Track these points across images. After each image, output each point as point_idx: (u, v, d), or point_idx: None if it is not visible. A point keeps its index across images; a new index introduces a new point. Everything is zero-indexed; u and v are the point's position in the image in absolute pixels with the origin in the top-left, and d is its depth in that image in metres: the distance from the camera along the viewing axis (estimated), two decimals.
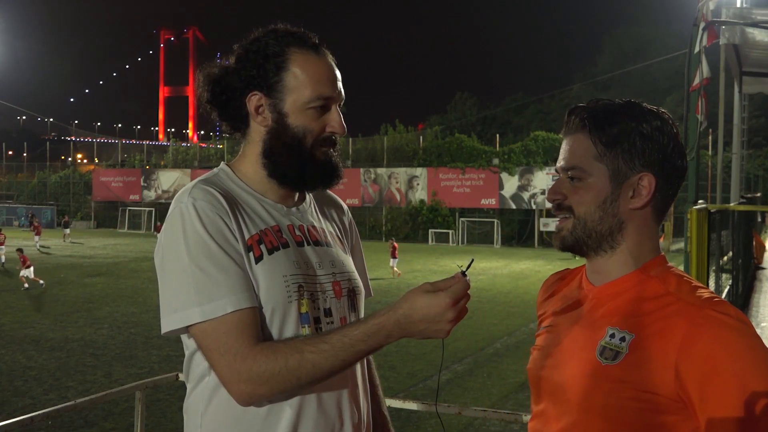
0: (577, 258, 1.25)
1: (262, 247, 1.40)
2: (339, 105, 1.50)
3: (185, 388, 1.48)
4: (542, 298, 1.44)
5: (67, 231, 32.54)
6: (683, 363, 1.09)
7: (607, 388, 1.14)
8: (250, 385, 1.30)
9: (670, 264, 1.26)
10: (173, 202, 1.43)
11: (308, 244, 1.49)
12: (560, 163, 1.27)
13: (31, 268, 16.53)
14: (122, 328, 11.81)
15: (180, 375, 3.20)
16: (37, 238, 29.77)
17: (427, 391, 8.23)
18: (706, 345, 1.08)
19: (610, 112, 1.22)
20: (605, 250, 1.24)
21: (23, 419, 2.61)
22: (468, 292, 1.29)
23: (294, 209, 1.53)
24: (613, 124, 1.21)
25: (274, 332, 1.37)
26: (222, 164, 1.54)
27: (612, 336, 1.17)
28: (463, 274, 1.30)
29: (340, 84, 1.49)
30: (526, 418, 2.75)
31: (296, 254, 1.44)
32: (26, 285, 16.29)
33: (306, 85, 1.43)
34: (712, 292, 1.17)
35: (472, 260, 1.42)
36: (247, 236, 1.40)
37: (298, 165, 1.46)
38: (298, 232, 1.49)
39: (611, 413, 1.14)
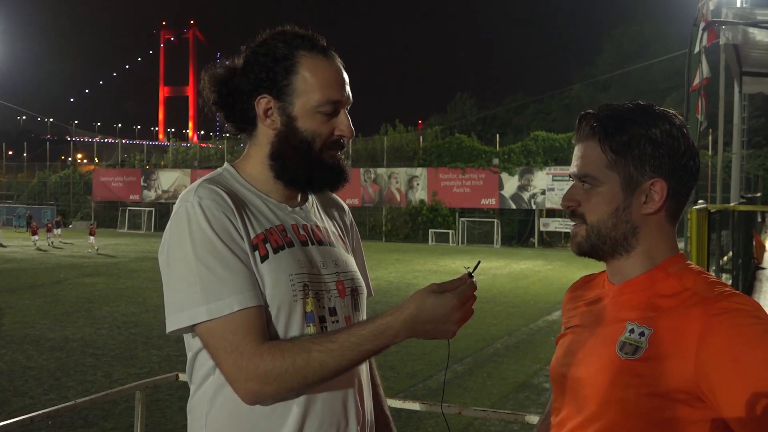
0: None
1: (268, 246, 1.41)
2: (347, 108, 1.50)
3: (185, 388, 1.48)
4: (567, 299, 1.45)
5: (58, 231, 32.61)
6: (703, 354, 1.10)
7: (625, 383, 1.15)
8: (257, 383, 1.30)
9: (689, 262, 1.27)
10: (178, 201, 1.43)
11: (312, 243, 1.50)
12: (573, 169, 1.29)
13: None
14: (122, 328, 11.80)
15: (180, 375, 3.20)
16: (49, 234, 30.89)
17: (427, 391, 8.23)
18: (725, 335, 1.09)
19: (620, 119, 1.23)
20: (621, 253, 1.26)
21: (23, 419, 2.61)
22: (475, 293, 1.30)
23: (298, 209, 1.54)
24: (623, 132, 1.22)
25: (280, 331, 1.38)
26: (226, 164, 1.55)
27: (631, 331, 1.19)
28: (470, 275, 1.31)
29: (348, 87, 1.50)
30: (527, 418, 2.76)
31: (301, 253, 1.45)
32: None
33: (315, 88, 1.44)
34: (729, 287, 1.18)
35: (479, 262, 1.43)
36: (252, 235, 1.41)
37: (307, 168, 1.47)
38: (302, 232, 1.50)
39: (629, 407, 1.15)
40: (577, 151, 1.28)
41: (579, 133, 1.28)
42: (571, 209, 1.28)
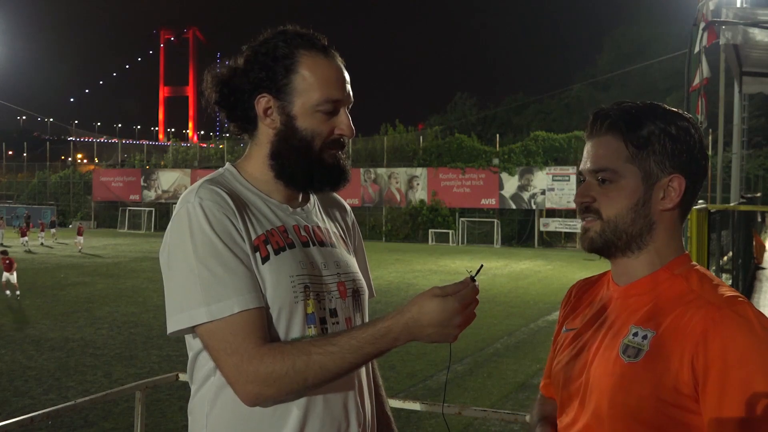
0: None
1: (269, 247, 1.41)
2: (347, 107, 1.50)
3: (185, 388, 1.48)
4: (567, 301, 1.44)
5: (53, 231, 32.60)
6: (697, 359, 1.10)
7: (627, 386, 1.15)
8: (257, 385, 1.30)
9: (694, 262, 1.27)
10: (179, 201, 1.42)
11: (314, 244, 1.49)
12: (587, 165, 1.27)
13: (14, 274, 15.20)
14: (122, 328, 11.80)
15: (180, 375, 3.20)
16: (41, 234, 31.21)
17: (427, 391, 8.23)
18: (720, 344, 1.09)
19: (638, 114, 1.23)
20: (633, 250, 1.25)
21: (23, 419, 2.62)
22: (477, 297, 1.30)
23: (299, 210, 1.53)
24: (643, 126, 1.22)
25: (281, 332, 1.38)
26: (227, 164, 1.54)
27: (635, 334, 1.19)
28: (472, 279, 1.30)
29: (348, 86, 1.49)
30: (527, 417, 2.75)
31: (302, 255, 1.45)
32: (8, 291, 14.96)
33: (315, 87, 1.43)
34: (734, 291, 1.18)
35: (482, 266, 1.42)
36: (253, 236, 1.40)
37: (307, 167, 1.46)
38: (303, 233, 1.49)
39: (632, 410, 1.14)
40: (590, 147, 1.26)
41: (593, 129, 1.26)
42: (585, 205, 1.26)
